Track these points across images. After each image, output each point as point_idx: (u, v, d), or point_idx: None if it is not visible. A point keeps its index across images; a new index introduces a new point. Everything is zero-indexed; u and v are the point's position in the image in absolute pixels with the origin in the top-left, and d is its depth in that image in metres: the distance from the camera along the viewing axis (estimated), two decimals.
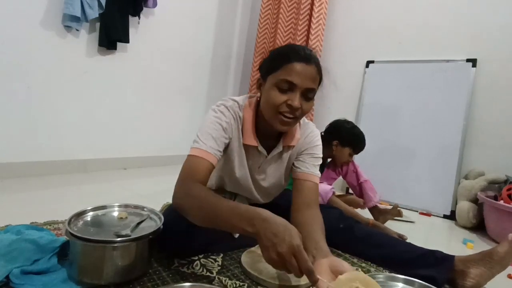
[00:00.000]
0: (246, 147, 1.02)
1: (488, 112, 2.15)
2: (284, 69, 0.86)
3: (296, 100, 0.86)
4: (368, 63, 2.61)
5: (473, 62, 2.18)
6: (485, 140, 2.15)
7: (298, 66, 0.85)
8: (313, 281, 0.63)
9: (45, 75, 1.85)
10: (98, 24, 2.04)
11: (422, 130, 2.33)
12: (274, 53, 0.94)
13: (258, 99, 1.00)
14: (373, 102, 2.57)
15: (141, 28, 2.33)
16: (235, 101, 1.01)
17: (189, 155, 0.90)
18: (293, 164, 1.09)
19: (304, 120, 1.09)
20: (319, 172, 1.09)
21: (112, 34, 2.06)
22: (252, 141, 0.99)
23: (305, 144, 1.08)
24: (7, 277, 0.74)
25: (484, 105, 2.16)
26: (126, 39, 2.15)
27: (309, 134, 1.09)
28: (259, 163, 1.06)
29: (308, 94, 0.89)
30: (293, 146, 1.05)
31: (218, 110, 0.96)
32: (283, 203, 1.17)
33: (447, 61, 2.28)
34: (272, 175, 1.12)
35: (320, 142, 1.11)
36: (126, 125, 2.38)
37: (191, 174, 0.86)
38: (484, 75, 2.16)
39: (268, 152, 1.04)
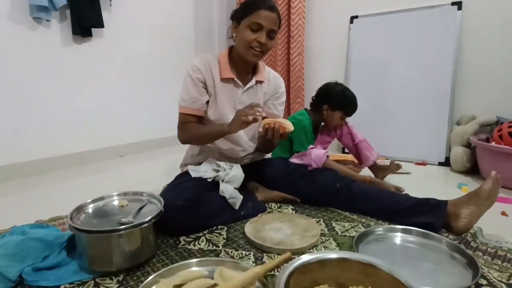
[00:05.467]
0: (225, 81, 1.24)
1: (477, 55, 2.12)
2: (255, 14, 1.12)
3: (263, 38, 1.14)
4: (352, 18, 2.54)
5: (459, 5, 2.12)
6: (475, 83, 2.14)
7: (265, 13, 1.12)
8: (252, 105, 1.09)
9: (22, 72, 1.79)
10: (68, 12, 1.95)
11: (413, 80, 2.31)
12: (246, 2, 1.18)
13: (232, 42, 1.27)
14: (361, 58, 2.52)
15: (114, 10, 2.23)
16: (211, 54, 1.28)
17: (179, 113, 1.24)
18: (265, 104, 1.38)
19: (265, 66, 1.38)
20: (282, 112, 1.41)
21: (84, 20, 1.97)
22: (229, 74, 1.24)
23: (276, 88, 1.38)
24: (20, 276, 0.77)
25: (472, 48, 2.13)
26: (100, 24, 2.07)
27: (276, 77, 1.40)
28: (238, 95, 1.27)
29: (271, 34, 1.16)
30: (263, 81, 1.32)
31: (190, 67, 1.23)
32: (268, 173, 1.42)
33: (432, 7, 2.21)
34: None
35: (284, 88, 1.42)
36: (115, 112, 2.34)
37: (185, 122, 1.23)
38: (470, 17, 2.11)
39: (244, 85, 1.27)
